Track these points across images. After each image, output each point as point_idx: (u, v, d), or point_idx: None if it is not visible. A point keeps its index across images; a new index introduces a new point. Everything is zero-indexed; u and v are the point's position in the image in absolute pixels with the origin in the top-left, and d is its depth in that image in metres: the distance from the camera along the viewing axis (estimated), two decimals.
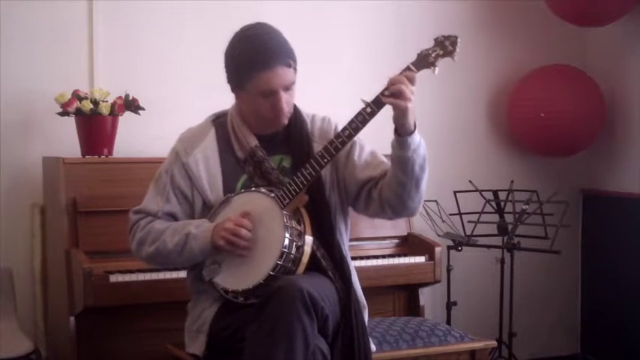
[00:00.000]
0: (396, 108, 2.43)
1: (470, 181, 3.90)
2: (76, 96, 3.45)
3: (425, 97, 4.29)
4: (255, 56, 2.53)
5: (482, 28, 4.45)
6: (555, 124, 4.23)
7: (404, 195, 2.54)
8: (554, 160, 4.56)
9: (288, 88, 2.58)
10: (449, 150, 4.40)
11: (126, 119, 3.55)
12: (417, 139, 2.50)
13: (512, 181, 3.90)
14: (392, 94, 2.42)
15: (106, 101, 3.48)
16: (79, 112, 3.44)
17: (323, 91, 3.86)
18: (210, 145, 2.66)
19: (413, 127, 2.48)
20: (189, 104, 3.70)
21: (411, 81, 2.44)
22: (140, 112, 3.58)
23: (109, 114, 3.46)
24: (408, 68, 2.48)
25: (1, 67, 3.54)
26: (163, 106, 3.72)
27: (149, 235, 2.62)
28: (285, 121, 2.63)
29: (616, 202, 4.43)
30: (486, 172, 4.37)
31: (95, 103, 3.45)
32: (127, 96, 3.55)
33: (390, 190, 2.55)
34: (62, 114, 3.46)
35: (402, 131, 2.48)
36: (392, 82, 2.43)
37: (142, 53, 3.78)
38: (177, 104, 3.75)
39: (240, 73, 2.55)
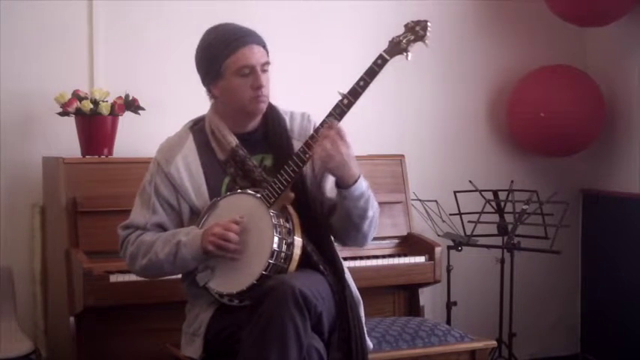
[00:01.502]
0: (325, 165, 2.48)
1: (470, 181, 3.90)
2: (76, 96, 3.46)
3: (425, 97, 4.33)
4: (229, 37, 2.59)
5: (483, 28, 4.45)
6: (555, 124, 4.23)
7: (343, 234, 2.62)
8: (554, 160, 4.56)
9: (264, 68, 2.60)
10: (449, 150, 4.40)
11: (126, 119, 3.55)
12: (356, 192, 2.51)
13: (512, 181, 3.90)
14: (320, 156, 2.45)
15: (106, 101, 3.48)
16: (79, 112, 3.44)
17: (322, 91, 3.85)
18: (190, 151, 2.67)
19: (352, 179, 2.50)
20: (189, 104, 3.67)
21: (339, 134, 2.46)
22: (140, 112, 3.58)
23: (109, 114, 3.46)
24: (380, 57, 2.51)
25: (1, 67, 3.54)
26: (163, 106, 3.72)
27: (140, 248, 2.62)
28: (264, 106, 2.64)
29: (616, 202, 4.43)
30: (486, 172, 4.37)
31: (95, 103, 3.45)
32: (127, 96, 3.55)
33: (336, 223, 2.61)
34: (62, 114, 3.46)
35: (339, 182, 2.52)
36: (322, 136, 2.47)
37: (142, 53, 3.78)
38: (177, 104, 3.74)
39: (216, 57, 2.58)
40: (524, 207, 3.78)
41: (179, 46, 3.82)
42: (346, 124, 2.53)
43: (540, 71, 4.40)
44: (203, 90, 3.90)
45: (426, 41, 2.52)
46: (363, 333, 2.59)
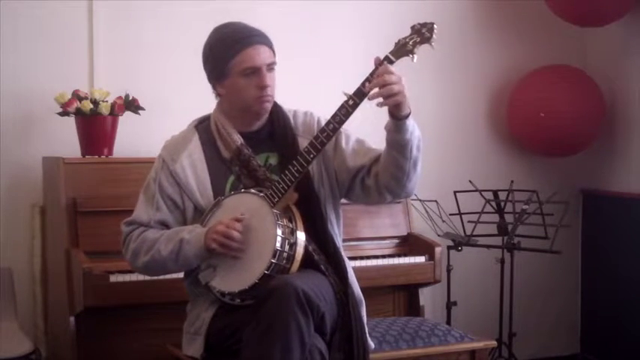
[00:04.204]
0: (388, 102, 2.43)
1: (470, 181, 3.90)
2: (76, 96, 3.46)
3: (425, 97, 4.32)
4: (235, 37, 2.59)
5: (483, 28, 4.45)
6: (555, 124, 4.23)
7: (403, 178, 2.54)
8: (554, 160, 4.56)
9: (270, 68, 2.61)
10: (449, 150, 4.40)
11: (126, 119, 3.55)
12: (411, 121, 2.50)
13: (512, 181, 3.90)
14: (380, 93, 2.41)
15: (106, 101, 3.48)
16: (79, 112, 3.44)
17: (321, 91, 3.86)
18: (195, 149, 2.67)
19: (408, 110, 2.47)
20: (189, 104, 3.68)
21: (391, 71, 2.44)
22: (140, 112, 3.58)
23: (109, 114, 3.47)
24: (387, 57, 2.48)
25: (1, 66, 3.55)
26: (163, 106, 3.72)
27: (143, 245, 2.62)
28: (269, 106, 2.65)
29: (616, 202, 4.43)
30: (486, 172, 4.37)
31: (95, 103, 3.45)
32: (127, 96, 3.55)
33: (388, 174, 2.55)
34: (62, 114, 3.46)
35: (398, 115, 2.47)
36: (376, 75, 2.44)
37: (142, 53, 3.78)
38: (177, 104, 3.75)
39: (221, 57, 2.59)
40: (524, 207, 3.78)
41: (179, 46, 3.83)
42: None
43: (540, 71, 4.40)
44: (203, 90, 3.91)
45: (432, 43, 2.50)
46: (365, 333, 2.59)
